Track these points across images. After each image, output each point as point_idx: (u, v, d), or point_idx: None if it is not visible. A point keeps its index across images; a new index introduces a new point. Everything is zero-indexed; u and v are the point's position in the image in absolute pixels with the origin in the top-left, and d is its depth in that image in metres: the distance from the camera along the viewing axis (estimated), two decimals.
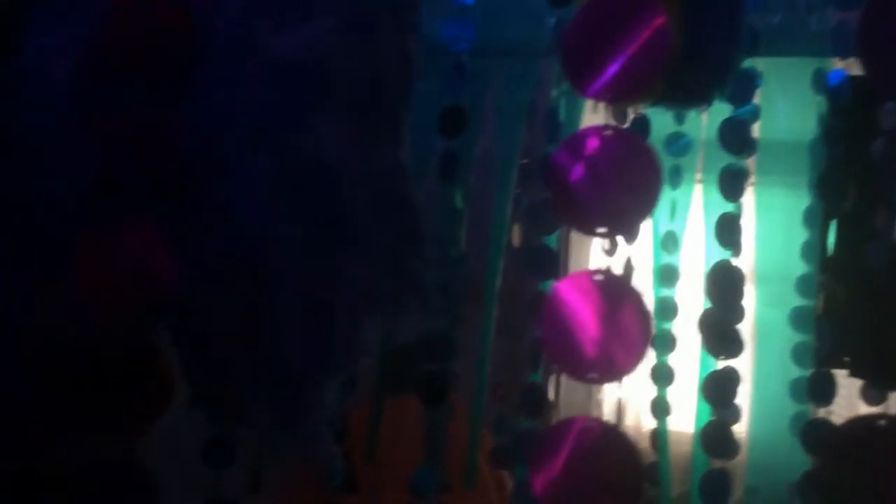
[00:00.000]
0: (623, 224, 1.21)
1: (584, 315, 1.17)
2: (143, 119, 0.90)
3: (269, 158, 0.91)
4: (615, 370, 1.18)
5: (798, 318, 1.38)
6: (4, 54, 0.89)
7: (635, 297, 1.18)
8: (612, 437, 1.18)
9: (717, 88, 1.23)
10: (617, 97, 1.17)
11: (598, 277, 1.18)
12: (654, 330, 1.25)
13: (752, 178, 1.42)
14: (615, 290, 1.19)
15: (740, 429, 1.38)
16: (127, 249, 0.90)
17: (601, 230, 1.22)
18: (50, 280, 0.86)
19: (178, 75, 0.91)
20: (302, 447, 0.99)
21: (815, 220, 1.39)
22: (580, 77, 1.15)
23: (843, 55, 1.27)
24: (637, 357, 1.17)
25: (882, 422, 1.09)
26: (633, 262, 1.24)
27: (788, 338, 1.40)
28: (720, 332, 1.24)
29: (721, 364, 1.27)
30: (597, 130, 1.21)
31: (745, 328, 1.37)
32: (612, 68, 1.14)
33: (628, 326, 1.17)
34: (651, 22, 1.13)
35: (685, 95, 1.27)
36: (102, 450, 0.96)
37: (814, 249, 1.40)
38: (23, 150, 0.87)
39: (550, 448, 1.17)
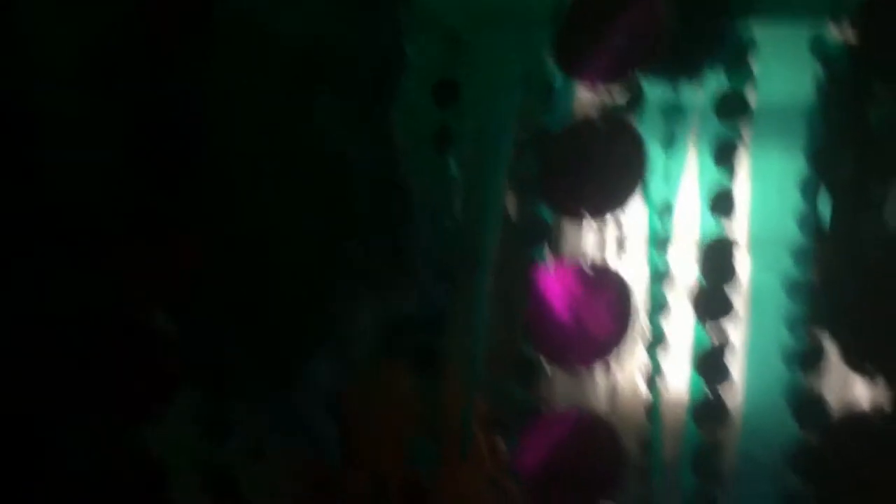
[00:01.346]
0: (606, 206, 1.19)
1: (561, 303, 1.17)
2: (160, 92, 0.89)
3: (270, 140, 0.91)
4: (592, 356, 1.17)
5: (792, 287, 1.39)
6: None
7: (616, 284, 1.17)
8: (597, 429, 1.18)
9: (709, 58, 1.22)
10: (609, 78, 1.16)
11: (579, 264, 1.17)
12: (635, 317, 1.24)
13: (749, 144, 1.42)
14: (595, 277, 1.17)
15: (734, 396, 1.39)
16: (151, 230, 0.89)
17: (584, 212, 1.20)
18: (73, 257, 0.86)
19: (191, 53, 0.90)
20: (296, 423, 1.00)
21: (811, 188, 1.39)
22: (572, 64, 1.14)
23: (841, 21, 1.26)
24: (615, 344, 1.16)
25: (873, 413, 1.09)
26: (623, 244, 1.24)
27: (783, 305, 1.40)
28: (711, 303, 1.24)
29: (714, 337, 1.28)
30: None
31: (741, 295, 1.38)
32: (604, 51, 1.13)
33: (606, 314, 1.16)
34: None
35: (677, 66, 1.26)
36: (111, 437, 0.96)
37: (809, 218, 1.39)
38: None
39: (535, 436, 1.17)
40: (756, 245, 1.53)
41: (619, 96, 1.23)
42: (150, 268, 0.88)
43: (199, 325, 0.92)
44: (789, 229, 1.44)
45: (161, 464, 0.98)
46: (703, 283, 1.32)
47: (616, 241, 1.36)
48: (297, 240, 0.91)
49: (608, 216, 1.16)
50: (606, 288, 1.15)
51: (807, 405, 1.20)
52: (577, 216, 1.14)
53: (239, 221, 0.87)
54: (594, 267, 1.16)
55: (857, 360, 1.13)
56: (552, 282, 1.14)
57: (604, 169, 1.12)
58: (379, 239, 0.97)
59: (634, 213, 1.49)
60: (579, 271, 1.14)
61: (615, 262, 1.21)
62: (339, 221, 0.92)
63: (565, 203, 1.14)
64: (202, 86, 0.86)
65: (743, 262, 1.41)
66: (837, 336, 1.23)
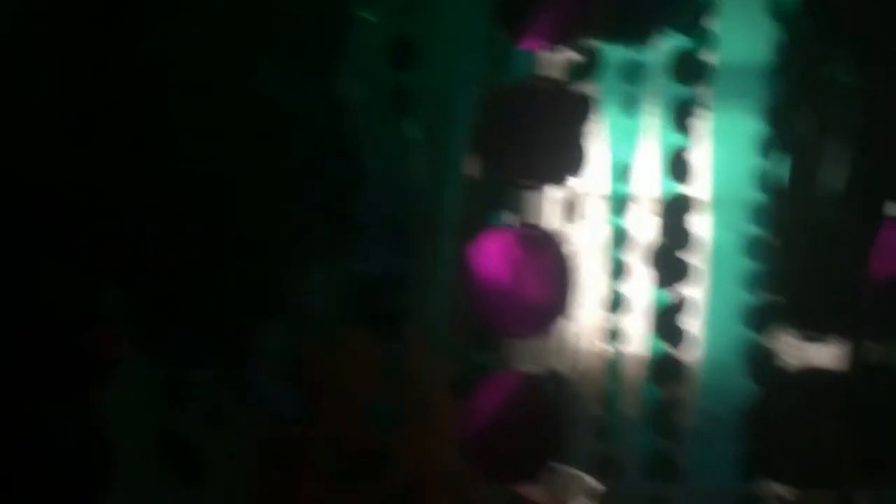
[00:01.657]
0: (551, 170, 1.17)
1: (500, 269, 1.15)
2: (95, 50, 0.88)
3: (212, 104, 0.90)
4: (533, 322, 1.16)
5: (751, 246, 1.39)
6: None
7: (557, 248, 1.16)
8: (538, 392, 1.17)
9: (665, 20, 1.22)
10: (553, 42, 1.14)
11: (519, 229, 1.15)
12: (578, 281, 1.22)
13: (708, 105, 1.42)
14: (536, 242, 1.16)
15: (693, 354, 1.40)
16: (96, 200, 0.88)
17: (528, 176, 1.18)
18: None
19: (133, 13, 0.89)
20: (253, 389, 1.00)
21: (768, 148, 1.39)
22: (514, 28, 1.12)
23: None
24: (557, 310, 1.15)
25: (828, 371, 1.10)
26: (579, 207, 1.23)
27: (742, 264, 1.41)
28: (669, 264, 1.25)
29: (672, 296, 1.29)
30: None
31: (700, 255, 1.39)
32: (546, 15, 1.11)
33: (547, 279, 1.15)
34: None
35: (633, 28, 1.25)
36: (58, 408, 0.95)
37: (767, 178, 1.40)
38: None
39: (478, 399, 1.17)
40: (716, 205, 1.53)
41: (574, 59, 1.22)
42: (97, 237, 0.87)
43: (150, 291, 0.91)
44: (749, 189, 1.45)
45: (109, 432, 0.97)
46: (662, 243, 1.32)
47: (569, 204, 1.36)
48: (244, 203, 0.90)
49: (553, 181, 1.15)
50: (547, 253, 1.13)
51: (762, 362, 1.21)
52: (520, 180, 1.12)
53: (185, 186, 0.86)
54: (534, 232, 1.14)
55: (809, 320, 1.14)
56: (492, 247, 1.13)
57: (548, 133, 1.10)
58: (329, 202, 0.96)
59: (593, 175, 1.49)
60: (519, 236, 1.12)
61: (562, 226, 1.21)
62: (286, 185, 0.91)
63: (510, 167, 1.12)
64: (144, 47, 0.85)
65: (702, 222, 1.42)
66: (792, 295, 1.24)
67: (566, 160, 1.13)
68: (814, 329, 1.13)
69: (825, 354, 1.12)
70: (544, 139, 1.10)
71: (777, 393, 1.15)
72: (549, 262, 1.13)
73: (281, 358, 1.02)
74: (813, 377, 1.11)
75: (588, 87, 1.32)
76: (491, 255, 1.13)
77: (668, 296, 1.33)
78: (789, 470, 1.07)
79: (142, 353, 0.95)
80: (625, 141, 1.52)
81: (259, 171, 0.91)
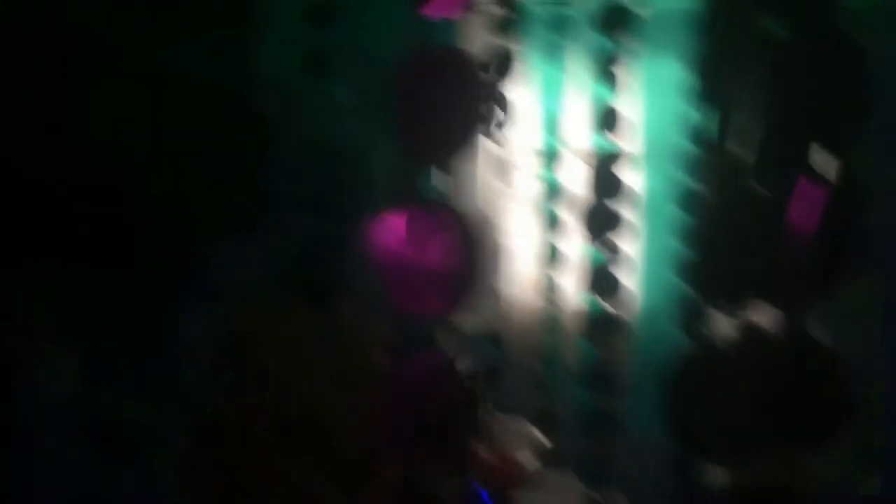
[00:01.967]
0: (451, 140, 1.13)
1: (402, 250, 1.11)
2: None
3: (122, 74, 0.86)
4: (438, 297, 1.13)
5: (683, 198, 1.39)
6: None
7: (462, 222, 1.12)
8: (450, 373, 1.15)
9: None
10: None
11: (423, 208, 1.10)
12: (484, 255, 1.19)
13: (637, 56, 1.41)
14: (439, 217, 1.11)
15: (628, 308, 1.40)
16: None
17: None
18: None
19: None
20: (182, 365, 0.98)
21: (699, 99, 1.38)
22: None
23: None
24: (466, 286, 1.12)
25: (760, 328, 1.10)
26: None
27: (676, 217, 1.40)
28: (600, 218, 1.24)
29: (604, 251, 1.29)
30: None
31: (634, 208, 1.39)
32: None
33: (450, 253, 1.11)
34: None
35: None
36: None
37: (697, 129, 1.39)
38: None
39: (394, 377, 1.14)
40: (649, 157, 1.53)
41: (500, 13, 1.20)
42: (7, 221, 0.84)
43: (67, 276, 0.89)
44: (681, 141, 1.44)
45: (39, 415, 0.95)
46: (593, 197, 1.32)
47: (500, 161, 1.35)
48: (154, 178, 0.87)
49: (455, 150, 1.11)
50: (452, 227, 1.10)
51: (694, 316, 1.21)
52: (422, 150, 1.08)
53: (94, 163, 0.83)
54: (437, 207, 1.10)
55: (735, 279, 1.14)
56: (395, 224, 1.09)
57: (442, 102, 1.06)
58: (243, 173, 0.93)
59: (523, 131, 1.47)
60: (422, 213, 1.08)
61: (468, 199, 1.18)
62: (197, 157, 0.89)
63: (411, 136, 1.08)
64: (45, 22, 0.81)
65: (635, 175, 1.41)
66: (718, 251, 1.24)
67: (465, 130, 1.10)
68: (738, 288, 1.13)
69: (752, 313, 1.12)
70: (443, 107, 1.07)
71: (706, 349, 1.15)
72: (454, 240, 1.09)
73: (209, 333, 1.00)
74: (741, 337, 1.11)
75: (513, 43, 1.30)
76: (394, 232, 1.09)
77: (602, 250, 1.32)
78: (714, 430, 1.08)
79: (62, 338, 0.92)
80: (554, 95, 1.50)
81: (168, 144, 0.88)
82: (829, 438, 1.02)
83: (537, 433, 1.43)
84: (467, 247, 1.06)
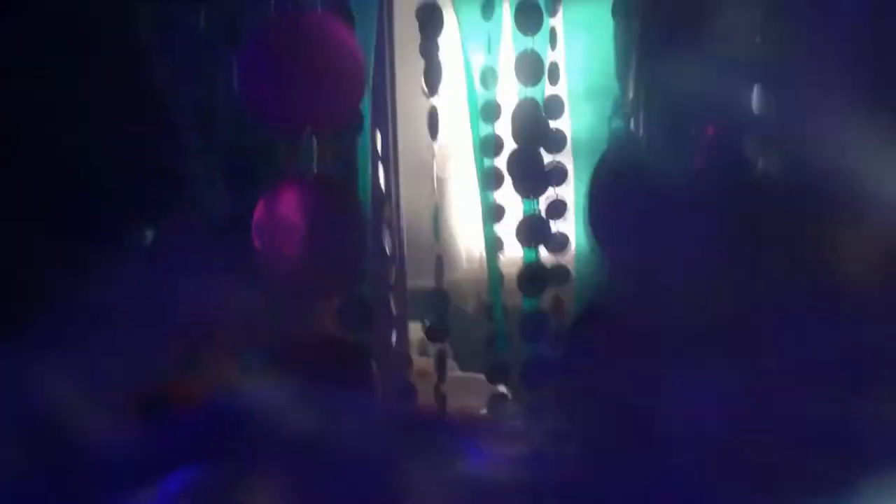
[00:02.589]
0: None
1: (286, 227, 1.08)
2: None
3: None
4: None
5: (615, 142, 1.37)
6: None
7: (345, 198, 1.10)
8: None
9: None
10: None
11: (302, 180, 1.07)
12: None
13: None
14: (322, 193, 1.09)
15: (567, 257, 1.39)
16: None
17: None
18: None
19: None
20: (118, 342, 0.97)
21: (625, 40, 1.36)
22: None
23: None
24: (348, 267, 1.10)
25: None
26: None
27: None
28: (527, 167, 1.23)
29: (539, 201, 1.28)
30: None
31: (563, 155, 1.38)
32: None
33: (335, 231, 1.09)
34: None
35: None
36: None
37: (626, 70, 1.37)
38: None
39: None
40: (580, 100, 1.51)
41: None
42: None
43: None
44: (611, 83, 1.42)
45: None
46: (522, 146, 1.30)
47: (431, 114, 1.33)
48: (52, 166, 0.85)
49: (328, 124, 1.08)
50: (335, 203, 1.08)
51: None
52: (287, 126, 1.05)
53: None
54: (318, 181, 1.07)
55: None
56: (280, 201, 1.07)
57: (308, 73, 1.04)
58: (147, 154, 0.91)
59: (452, 83, 1.45)
60: (303, 188, 1.06)
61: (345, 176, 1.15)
62: (95, 140, 0.87)
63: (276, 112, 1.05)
64: None
65: (564, 120, 1.39)
66: None
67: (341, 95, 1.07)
68: None
69: None
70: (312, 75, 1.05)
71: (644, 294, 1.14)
72: (337, 218, 1.07)
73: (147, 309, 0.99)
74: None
75: None
76: (279, 208, 1.07)
77: (535, 201, 1.31)
78: None
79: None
80: (482, 44, 1.48)
81: (63, 128, 0.86)
82: None
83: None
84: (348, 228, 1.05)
